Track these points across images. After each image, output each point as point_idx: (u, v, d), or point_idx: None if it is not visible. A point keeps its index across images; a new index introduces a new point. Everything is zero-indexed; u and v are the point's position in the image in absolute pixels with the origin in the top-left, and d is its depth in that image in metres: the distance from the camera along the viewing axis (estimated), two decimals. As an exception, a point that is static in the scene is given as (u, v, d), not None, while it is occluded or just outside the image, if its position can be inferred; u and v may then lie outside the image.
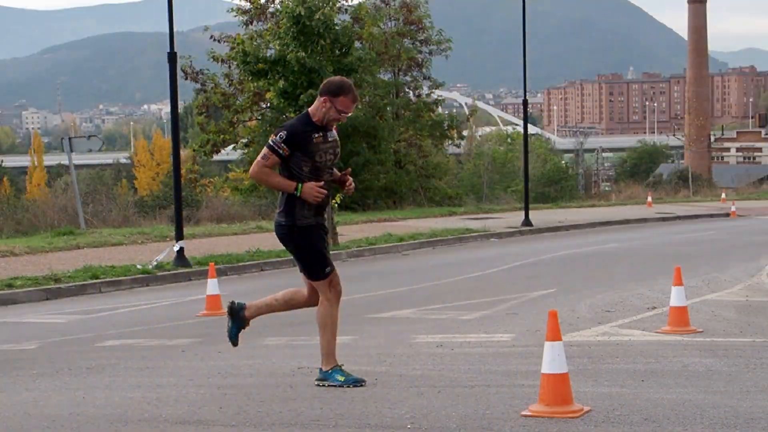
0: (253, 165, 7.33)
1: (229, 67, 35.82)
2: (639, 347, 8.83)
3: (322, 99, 7.27)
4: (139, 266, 17.22)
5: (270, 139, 7.28)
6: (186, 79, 36.73)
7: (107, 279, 16.10)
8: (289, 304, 7.64)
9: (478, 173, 60.18)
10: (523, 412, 6.33)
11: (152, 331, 11.06)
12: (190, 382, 7.81)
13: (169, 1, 18.35)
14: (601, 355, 8.47)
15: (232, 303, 7.71)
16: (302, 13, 20.72)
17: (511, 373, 7.77)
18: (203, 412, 6.78)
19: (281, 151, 7.16)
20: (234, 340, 7.74)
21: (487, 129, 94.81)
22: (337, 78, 7.47)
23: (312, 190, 7.16)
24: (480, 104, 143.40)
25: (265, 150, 7.24)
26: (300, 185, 7.17)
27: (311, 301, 7.50)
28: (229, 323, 7.69)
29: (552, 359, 6.29)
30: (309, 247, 7.27)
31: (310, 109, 7.41)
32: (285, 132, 7.20)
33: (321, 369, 7.41)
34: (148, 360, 9.03)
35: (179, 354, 9.31)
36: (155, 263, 17.50)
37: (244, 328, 7.73)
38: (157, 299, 14.46)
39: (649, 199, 40.19)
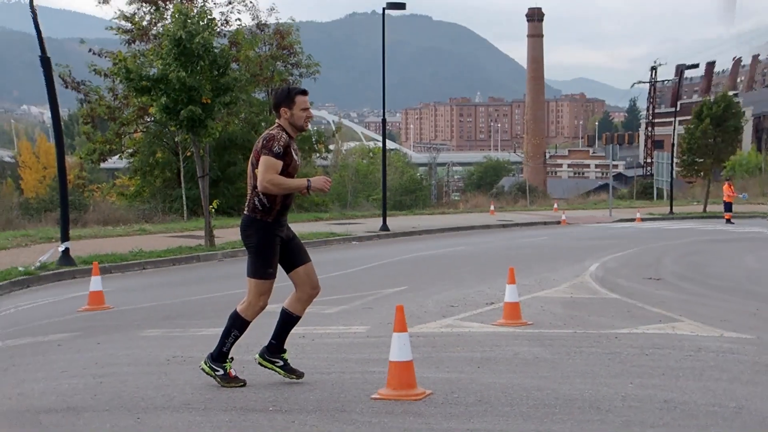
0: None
1: (113, 81, 34.83)
2: (477, 338, 8.99)
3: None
4: (21, 268, 16.39)
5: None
6: (66, 87, 35.44)
7: (-15, 284, 14.78)
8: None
9: (343, 183, 60.34)
10: (373, 396, 6.38)
11: (27, 330, 10.47)
12: (63, 374, 7.51)
13: (30, 3, 16.77)
14: (443, 344, 8.60)
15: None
16: (183, 37, 20.34)
17: (364, 360, 7.81)
18: (74, 400, 6.56)
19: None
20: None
21: (352, 144, 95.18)
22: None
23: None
24: (345, 122, 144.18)
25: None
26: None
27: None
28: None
29: (399, 348, 6.37)
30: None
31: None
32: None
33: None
34: (16, 358, 8.50)
35: (54, 348, 8.93)
36: (39, 264, 16.84)
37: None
38: (37, 299, 13.82)
39: (492, 207, 41.04)
